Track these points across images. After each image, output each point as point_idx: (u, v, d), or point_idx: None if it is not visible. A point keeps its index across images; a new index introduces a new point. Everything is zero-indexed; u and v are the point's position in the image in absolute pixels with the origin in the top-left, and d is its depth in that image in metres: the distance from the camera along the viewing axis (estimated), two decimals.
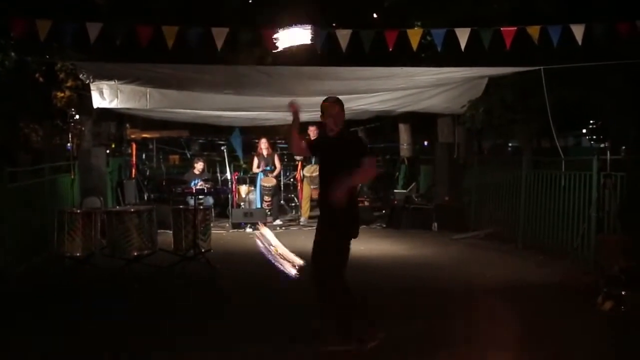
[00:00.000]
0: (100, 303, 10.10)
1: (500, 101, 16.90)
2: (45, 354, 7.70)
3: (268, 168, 18.86)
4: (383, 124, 25.68)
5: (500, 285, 11.24)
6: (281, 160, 20.11)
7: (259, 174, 18.99)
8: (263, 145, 19.22)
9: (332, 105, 7.88)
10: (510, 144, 27.83)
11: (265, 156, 19.13)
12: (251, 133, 26.36)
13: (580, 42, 13.43)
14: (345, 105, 17.77)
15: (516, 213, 15.15)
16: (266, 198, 19.01)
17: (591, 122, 11.64)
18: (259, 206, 18.82)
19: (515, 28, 13.67)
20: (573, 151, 26.46)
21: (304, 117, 19.57)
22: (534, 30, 13.61)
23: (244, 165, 21.69)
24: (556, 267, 12.61)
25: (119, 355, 7.64)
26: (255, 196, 19.24)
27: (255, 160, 19.20)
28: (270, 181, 18.92)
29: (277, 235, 15.78)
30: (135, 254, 12.01)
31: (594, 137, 11.69)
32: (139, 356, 7.63)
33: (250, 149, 22.11)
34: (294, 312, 9.04)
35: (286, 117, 19.71)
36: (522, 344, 7.87)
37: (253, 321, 7.36)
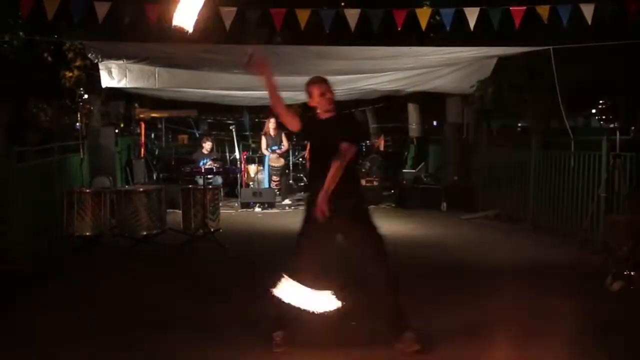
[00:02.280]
0: (107, 282, 10.13)
1: (509, 81, 16.84)
2: (48, 333, 7.70)
3: (275, 147, 18.86)
4: (392, 104, 25.63)
5: (509, 266, 11.20)
6: (289, 139, 20.09)
7: (268, 153, 19.02)
8: (271, 125, 19.21)
9: (322, 84, 7.11)
10: (519, 125, 27.72)
11: (273, 136, 19.13)
12: (259, 112, 26.34)
13: (589, 22, 13.36)
14: (354, 85, 17.83)
15: (525, 193, 15.15)
16: (274, 178, 19.05)
17: (600, 102, 11.59)
18: (267, 186, 18.85)
19: (525, 8, 13.60)
20: (582, 131, 26.34)
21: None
22: (543, 10, 13.53)
23: (252, 145, 21.67)
24: (565, 247, 12.61)
25: (123, 334, 7.64)
26: (264, 176, 19.27)
27: (264, 140, 19.21)
28: (279, 161, 18.94)
29: (285, 215, 15.88)
30: (144, 233, 12.09)
31: (603, 117, 11.63)
32: (144, 337, 7.62)
33: (259, 129, 22.11)
34: None
35: (295, 96, 19.67)
36: (532, 325, 7.85)
37: (263, 302, 7.32)
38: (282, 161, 19.03)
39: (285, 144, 19.18)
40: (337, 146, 6.70)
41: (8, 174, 11.48)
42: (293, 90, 18.99)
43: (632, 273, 9.55)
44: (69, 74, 16.61)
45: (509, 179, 16.14)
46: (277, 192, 18.78)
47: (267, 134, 19.20)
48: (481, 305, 8.68)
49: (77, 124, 17.78)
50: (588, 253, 11.76)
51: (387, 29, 14.02)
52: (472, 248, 13.03)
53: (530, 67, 16.37)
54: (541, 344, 7.24)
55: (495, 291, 9.23)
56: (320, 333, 7.09)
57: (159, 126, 26.22)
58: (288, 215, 16.73)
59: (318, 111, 7.12)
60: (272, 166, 18.94)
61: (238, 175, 19.03)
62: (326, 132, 6.93)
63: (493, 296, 8.99)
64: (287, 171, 19.69)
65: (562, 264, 11.36)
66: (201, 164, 17.57)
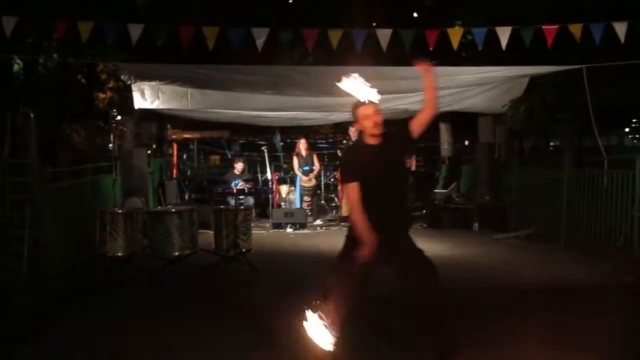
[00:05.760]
0: (139, 303, 10.18)
1: (541, 100, 16.79)
2: (81, 352, 7.79)
3: (307, 168, 18.87)
4: None
5: (543, 286, 11.14)
6: (321, 160, 20.11)
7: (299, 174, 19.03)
8: (302, 145, 19.22)
9: (367, 105, 6.70)
10: (551, 144, 27.63)
11: (305, 156, 19.13)
12: (290, 133, 26.38)
13: (622, 40, 13.31)
14: (386, 105, 17.90)
15: (558, 213, 15.03)
16: (306, 198, 19.06)
17: (634, 120, 11.54)
18: (299, 206, 18.86)
19: (557, 26, 13.57)
20: (616, 150, 26.20)
21: (343, 117, 19.66)
22: (575, 29, 13.50)
23: (284, 166, 21.70)
24: (599, 267, 12.49)
25: (156, 355, 7.68)
26: (295, 196, 19.29)
27: (296, 160, 19.22)
28: (310, 181, 18.93)
29: (317, 235, 15.83)
30: (177, 254, 12.11)
31: (637, 135, 11.57)
32: (174, 357, 7.65)
33: (290, 150, 22.15)
34: None
35: (326, 116, 19.64)
36: (566, 345, 7.80)
37: (293, 326, 7.30)
38: (313, 181, 19.01)
39: (317, 165, 19.17)
40: (388, 174, 6.53)
41: (42, 194, 11.57)
42: (325, 110, 19.15)
43: None
44: (102, 96, 16.77)
45: (542, 198, 16.04)
46: (309, 213, 18.77)
47: (298, 155, 19.20)
48: (512, 324, 8.63)
49: (110, 145, 17.91)
50: (622, 273, 11.66)
51: (418, 49, 14.03)
52: (504, 269, 12.95)
53: (563, 86, 16.31)
54: None
55: (530, 313, 9.18)
56: None
57: (191, 147, 26.34)
58: (319, 236, 16.72)
59: (365, 136, 6.74)
60: (303, 186, 18.95)
61: (270, 196, 19.05)
62: (375, 161, 6.57)
63: (527, 318, 8.94)
64: (318, 192, 19.67)
65: (595, 284, 11.27)
66: (233, 184, 17.63)
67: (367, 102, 6.67)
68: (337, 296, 6.45)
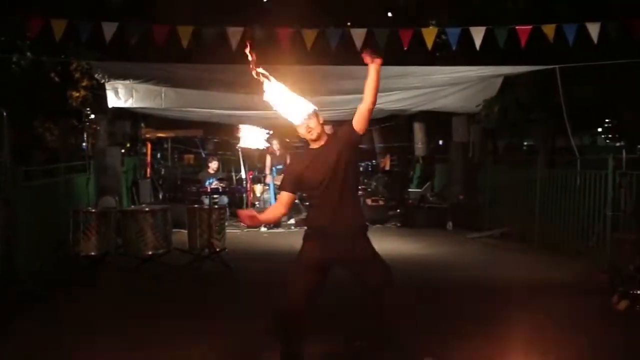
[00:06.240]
0: (112, 302, 10.14)
1: (515, 100, 16.85)
2: (52, 348, 7.79)
3: (280, 167, 18.83)
4: (398, 123, 25.62)
5: (516, 285, 11.18)
6: None
7: (273, 172, 18.98)
8: (275, 145, 19.20)
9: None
10: (525, 143, 27.72)
11: (278, 155, 19.11)
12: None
13: (595, 41, 13.38)
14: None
15: (531, 212, 15.11)
16: None
17: (607, 120, 11.57)
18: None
19: (531, 26, 13.62)
20: (589, 150, 26.30)
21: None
22: (549, 29, 13.56)
23: (258, 165, 21.67)
24: (571, 266, 12.56)
25: (128, 353, 7.67)
26: (269, 195, 19.26)
27: (268, 159, 19.20)
28: None
29: (291, 234, 15.84)
30: (150, 253, 12.07)
31: (610, 135, 11.63)
32: (145, 354, 7.67)
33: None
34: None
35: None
36: (539, 344, 7.82)
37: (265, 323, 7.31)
38: None
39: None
40: (330, 175, 6.36)
41: (15, 193, 11.50)
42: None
43: (639, 292, 9.52)
44: (75, 94, 16.67)
45: (515, 197, 16.12)
46: None
47: (272, 154, 19.18)
48: (486, 323, 8.65)
49: (84, 143, 17.82)
50: (594, 272, 11.70)
51: (393, 49, 14.04)
52: (478, 268, 12.98)
53: (537, 86, 16.38)
54: None
55: (502, 310, 9.22)
56: None
57: (165, 146, 26.23)
58: (294, 235, 16.67)
59: (309, 142, 6.68)
60: (277, 185, 18.92)
61: (244, 195, 19.01)
62: (314, 162, 6.52)
63: (499, 315, 8.98)
64: None
65: (568, 283, 11.33)
66: (207, 183, 17.59)
67: (307, 116, 6.66)
68: (288, 299, 6.49)
